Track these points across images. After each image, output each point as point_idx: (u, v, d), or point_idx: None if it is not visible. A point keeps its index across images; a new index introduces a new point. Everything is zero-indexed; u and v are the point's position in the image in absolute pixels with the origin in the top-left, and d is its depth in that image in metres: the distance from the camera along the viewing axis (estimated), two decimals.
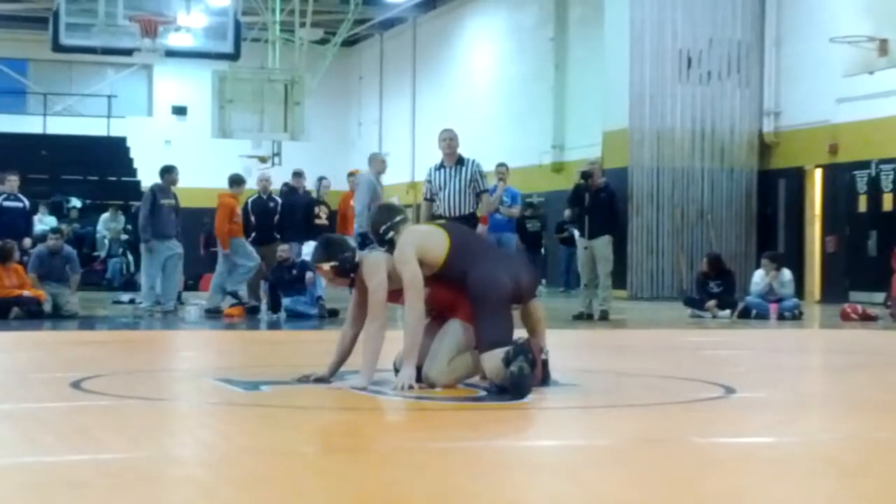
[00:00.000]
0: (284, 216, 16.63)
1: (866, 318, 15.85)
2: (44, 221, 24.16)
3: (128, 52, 24.41)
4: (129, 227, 25.72)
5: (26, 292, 15.03)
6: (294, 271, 15.67)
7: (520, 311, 7.40)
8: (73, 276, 15.93)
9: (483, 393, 6.97)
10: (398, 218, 7.41)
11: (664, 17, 22.96)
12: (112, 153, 32.10)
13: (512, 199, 16.99)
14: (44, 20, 26.38)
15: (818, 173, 22.31)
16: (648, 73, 22.94)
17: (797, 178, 22.74)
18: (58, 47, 22.87)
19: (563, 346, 10.28)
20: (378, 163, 15.71)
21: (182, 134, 35.01)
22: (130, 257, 25.84)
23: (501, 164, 16.75)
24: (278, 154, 26.80)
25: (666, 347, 11.73)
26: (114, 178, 30.57)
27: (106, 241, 26.82)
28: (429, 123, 31.53)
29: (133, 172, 31.30)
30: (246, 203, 16.67)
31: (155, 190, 16.41)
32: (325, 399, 6.82)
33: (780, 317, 16.09)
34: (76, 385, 7.18)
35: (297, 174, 17.01)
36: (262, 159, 27.10)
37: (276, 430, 5.78)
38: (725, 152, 23.34)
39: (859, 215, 21.09)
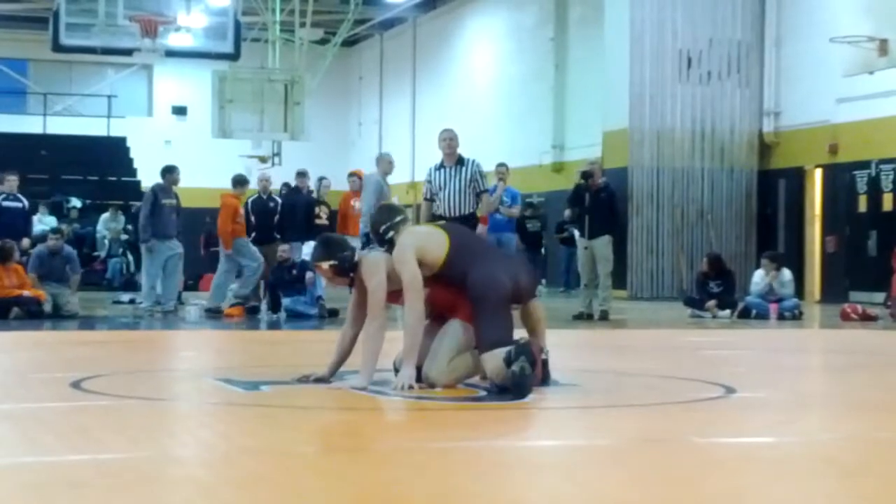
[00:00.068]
0: (285, 216, 16.64)
1: (866, 318, 15.85)
2: (44, 221, 24.16)
3: (128, 52, 24.41)
4: (130, 227, 25.73)
5: (26, 292, 15.03)
6: (294, 271, 15.68)
7: (519, 312, 7.40)
8: (73, 277, 15.92)
9: (483, 393, 6.97)
10: (398, 218, 7.42)
11: (664, 17, 22.96)
12: (112, 153, 32.11)
13: (512, 199, 16.99)
14: (44, 20, 26.38)
15: (818, 173, 22.31)
16: (648, 73, 22.94)
17: (797, 178, 22.74)
18: (58, 47, 22.87)
19: (563, 346, 10.28)
20: (385, 163, 15.72)
21: (182, 134, 35.00)
22: (130, 257, 25.84)
23: (501, 164, 16.75)
24: (278, 154, 26.80)
25: (666, 347, 11.72)
26: (114, 178, 30.58)
27: (106, 241, 26.82)
28: (429, 123, 31.53)
29: (133, 172, 31.31)
30: (246, 203, 16.68)
31: (156, 190, 16.42)
32: (325, 399, 6.82)
33: (780, 317, 16.09)
34: (76, 385, 7.18)
35: (302, 174, 17.02)
36: (262, 159, 27.10)
37: (276, 430, 5.78)
38: (725, 152, 23.34)
39: (859, 215, 21.09)
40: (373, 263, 7.16)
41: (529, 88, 29.02)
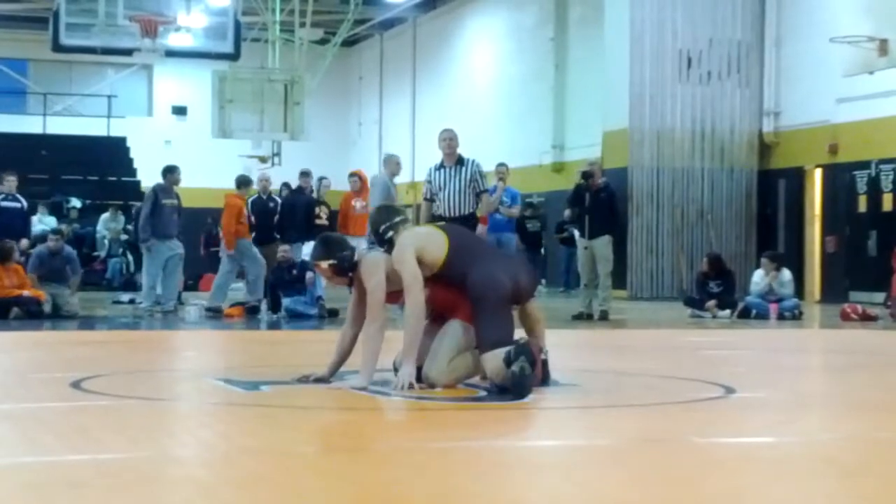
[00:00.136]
0: (285, 216, 16.65)
1: (866, 318, 15.85)
2: (44, 221, 24.17)
3: (128, 52, 24.41)
4: (129, 227, 25.73)
5: (26, 292, 15.03)
6: (294, 271, 15.68)
7: (518, 312, 7.40)
8: (73, 277, 15.92)
9: (483, 393, 6.97)
10: (398, 218, 7.42)
11: (664, 17, 22.97)
12: (112, 153, 32.11)
13: (512, 199, 16.98)
14: (44, 20, 26.38)
15: (818, 173, 22.31)
16: (648, 73, 22.94)
17: (797, 178, 22.75)
18: (58, 47, 22.87)
19: (563, 346, 10.28)
20: (393, 164, 15.75)
21: (182, 134, 35.00)
22: (130, 257, 25.84)
23: (501, 164, 16.75)
24: (278, 154, 26.80)
25: (666, 347, 11.72)
26: (114, 178, 30.59)
27: (106, 241, 26.83)
28: (429, 123, 31.52)
29: (133, 172, 31.32)
30: (246, 203, 16.68)
31: (157, 190, 16.42)
32: (325, 399, 6.82)
33: (780, 317, 16.09)
34: (76, 385, 7.18)
35: (305, 174, 17.04)
36: (262, 159, 27.11)
37: (276, 430, 5.78)
38: (725, 152, 23.34)
39: (859, 215, 21.09)
40: (372, 263, 7.16)
41: (529, 88, 29.02)
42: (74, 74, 36.19)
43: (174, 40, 24.32)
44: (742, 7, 23.36)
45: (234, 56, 23.81)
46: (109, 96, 34.90)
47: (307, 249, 15.34)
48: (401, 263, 7.05)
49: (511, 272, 7.22)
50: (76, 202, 28.23)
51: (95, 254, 26.78)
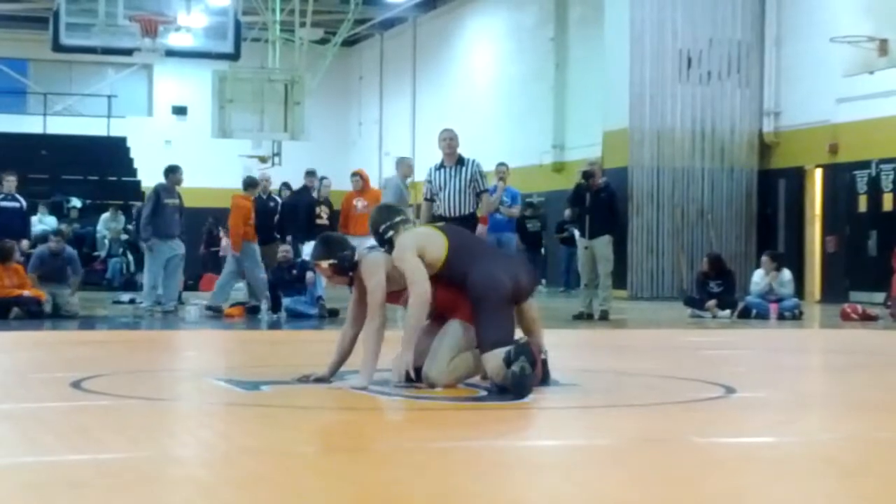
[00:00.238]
0: (287, 215, 16.67)
1: (866, 318, 15.85)
2: (44, 221, 24.19)
3: (128, 52, 24.40)
4: (130, 226, 25.74)
5: (26, 292, 15.03)
6: (294, 271, 15.68)
7: (514, 312, 7.39)
8: (73, 278, 15.91)
9: (483, 393, 6.97)
10: (398, 218, 7.43)
11: (664, 17, 22.96)
12: (112, 153, 32.11)
13: (512, 199, 16.98)
14: (44, 20, 26.38)
15: (818, 173, 22.31)
16: (648, 73, 22.94)
17: (797, 178, 22.74)
18: (58, 47, 22.86)
19: (563, 346, 10.28)
20: (405, 166, 15.78)
21: (182, 134, 34.99)
22: (130, 257, 25.86)
23: (501, 164, 16.75)
24: (278, 154, 26.80)
25: (666, 347, 11.72)
26: (114, 178, 30.60)
27: (106, 241, 26.84)
28: (429, 123, 31.53)
29: (133, 172, 31.33)
30: (253, 204, 16.68)
31: (159, 189, 16.43)
32: (325, 399, 6.82)
33: (780, 317, 16.09)
34: (76, 385, 7.18)
35: (310, 173, 17.05)
36: (263, 159, 27.12)
37: (276, 430, 5.78)
38: (725, 152, 23.34)
39: (859, 215, 21.09)
40: (372, 263, 7.17)
41: (529, 88, 29.02)
42: (74, 74, 36.19)
43: (174, 40, 24.31)
44: (742, 7, 23.36)
45: (234, 56, 23.80)
46: (109, 96, 34.90)
47: (307, 249, 15.35)
48: (402, 262, 7.06)
49: (511, 272, 7.22)
50: (76, 202, 28.24)
51: (96, 254, 26.79)
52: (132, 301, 18.52)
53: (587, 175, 15.60)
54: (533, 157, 27.95)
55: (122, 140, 33.19)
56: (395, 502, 4.11)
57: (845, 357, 10.88)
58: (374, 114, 37.06)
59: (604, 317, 15.22)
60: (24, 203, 16.72)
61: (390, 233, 7.32)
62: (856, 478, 4.66)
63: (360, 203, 16.22)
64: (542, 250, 26.02)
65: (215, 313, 15.56)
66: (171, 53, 24.44)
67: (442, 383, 7.05)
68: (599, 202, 15.43)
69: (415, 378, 7.08)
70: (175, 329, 14.00)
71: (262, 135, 26.09)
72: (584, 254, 15.53)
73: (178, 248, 16.35)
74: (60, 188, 28.70)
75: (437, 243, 7.19)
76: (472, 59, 32.20)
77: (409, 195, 15.40)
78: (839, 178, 21.51)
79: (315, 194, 17.02)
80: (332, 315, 15.17)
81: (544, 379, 7.14)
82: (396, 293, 7.13)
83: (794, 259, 20.92)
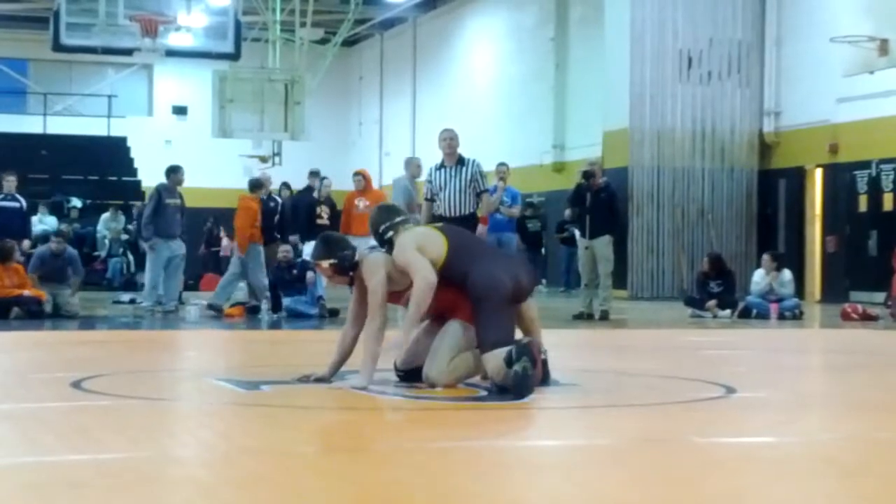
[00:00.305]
0: (287, 215, 16.67)
1: (867, 318, 15.84)
2: (44, 221, 24.19)
3: (128, 51, 24.41)
4: (130, 226, 25.75)
5: (26, 292, 15.03)
6: (295, 271, 15.68)
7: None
8: (73, 278, 15.91)
9: (484, 393, 6.97)
10: (398, 218, 7.42)
11: (664, 17, 22.97)
12: (112, 153, 32.11)
13: (512, 199, 16.98)
14: (44, 20, 26.39)
15: (818, 173, 22.32)
16: (649, 73, 22.94)
17: (797, 177, 22.75)
18: (58, 47, 22.88)
19: (563, 346, 10.28)
20: (414, 167, 15.77)
21: (182, 134, 35.01)
22: (131, 257, 25.87)
23: (502, 164, 16.75)
24: (278, 154, 26.82)
25: (666, 347, 11.72)
26: (114, 178, 30.60)
27: (106, 241, 26.85)
28: (429, 123, 31.54)
29: (133, 172, 31.33)
30: (260, 206, 16.69)
31: (160, 189, 16.43)
32: (325, 399, 6.82)
33: (781, 317, 16.09)
34: (76, 385, 7.18)
35: (314, 173, 17.06)
36: (263, 159, 27.13)
37: (276, 430, 5.78)
38: (726, 152, 23.34)
39: (859, 215, 21.10)
40: (373, 263, 7.17)
41: (529, 88, 29.02)
42: (74, 74, 36.19)
43: (174, 40, 24.33)
44: (742, 7, 23.36)
45: (234, 56, 23.82)
46: (110, 96, 34.90)
47: (307, 249, 15.35)
48: (403, 257, 7.06)
49: (511, 272, 7.22)
50: (76, 202, 28.25)
51: (96, 254, 26.80)
52: (132, 301, 18.52)
53: (587, 175, 15.60)
54: (533, 157, 27.95)
55: (123, 140, 33.20)
56: (395, 502, 4.11)
57: (845, 357, 10.88)
58: (374, 114, 37.07)
59: (604, 317, 15.22)
60: (24, 203, 16.71)
61: (390, 233, 7.32)
62: (856, 478, 4.66)
63: (361, 203, 16.22)
64: (543, 250, 26.02)
65: (216, 312, 15.56)
66: (171, 53, 24.46)
67: (442, 383, 7.06)
68: (600, 202, 15.43)
69: (403, 372, 7.18)
70: (175, 329, 14.00)
71: (263, 135, 26.10)
72: (584, 254, 15.53)
73: (179, 248, 16.35)
74: (60, 188, 28.70)
75: (436, 243, 7.19)
76: (473, 59, 32.20)
77: (417, 195, 15.40)
78: (839, 177, 21.51)
79: (315, 194, 17.03)
80: (333, 315, 15.17)
81: (544, 379, 7.13)
82: (397, 293, 7.13)
83: (794, 259, 20.92)
